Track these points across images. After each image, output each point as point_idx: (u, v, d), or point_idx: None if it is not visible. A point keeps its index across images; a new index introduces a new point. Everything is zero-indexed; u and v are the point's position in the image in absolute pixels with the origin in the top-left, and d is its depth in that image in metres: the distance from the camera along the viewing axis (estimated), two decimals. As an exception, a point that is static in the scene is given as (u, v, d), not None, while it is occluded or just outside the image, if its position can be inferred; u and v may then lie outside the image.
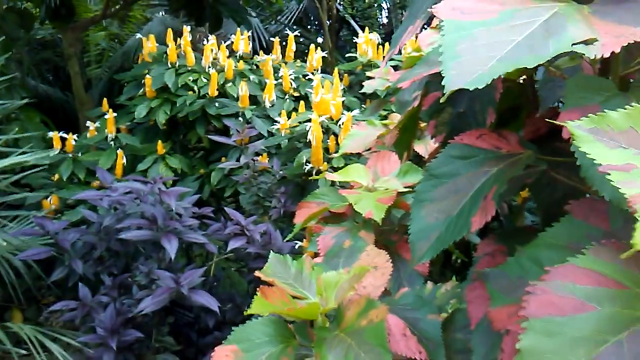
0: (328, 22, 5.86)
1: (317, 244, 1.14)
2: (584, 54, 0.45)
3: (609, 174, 0.40)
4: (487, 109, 0.79)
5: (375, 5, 7.56)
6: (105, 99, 3.11)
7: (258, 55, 3.38)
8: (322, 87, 2.37)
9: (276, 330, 0.82)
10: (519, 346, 0.40)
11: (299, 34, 6.57)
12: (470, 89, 0.85)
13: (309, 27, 7.31)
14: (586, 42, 0.45)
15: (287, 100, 2.87)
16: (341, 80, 3.09)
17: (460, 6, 0.53)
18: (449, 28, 0.50)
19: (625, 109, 0.43)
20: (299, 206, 1.37)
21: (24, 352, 1.88)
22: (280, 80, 2.96)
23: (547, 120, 0.51)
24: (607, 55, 0.43)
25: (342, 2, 6.99)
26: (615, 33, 0.45)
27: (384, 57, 2.91)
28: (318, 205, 1.34)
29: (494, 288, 0.55)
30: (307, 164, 2.12)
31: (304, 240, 1.70)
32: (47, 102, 4.74)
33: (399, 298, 0.86)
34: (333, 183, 2.03)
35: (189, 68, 2.93)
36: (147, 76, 2.88)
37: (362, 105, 2.88)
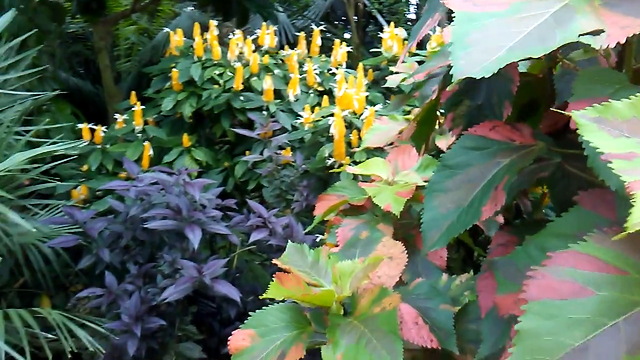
0: (355, 18, 5.86)
1: (336, 236, 1.16)
2: (593, 45, 0.45)
3: (611, 162, 0.41)
4: (504, 102, 0.79)
5: (403, 0, 7.52)
6: (133, 92, 3.17)
7: (284, 49, 3.40)
8: (346, 82, 2.38)
9: (292, 317, 0.84)
10: (518, 327, 0.41)
11: (325, 29, 6.58)
12: (486, 79, 0.86)
13: (336, 22, 7.31)
14: (593, 33, 0.46)
15: (311, 94, 2.89)
16: (366, 75, 3.10)
17: (472, -2, 0.54)
18: (460, 19, 0.51)
19: (629, 99, 0.43)
20: (319, 199, 1.39)
21: (51, 336, 1.93)
22: (304, 75, 2.98)
23: (553, 110, 0.52)
24: (612, 45, 0.44)
25: (369, -3, 6.97)
26: (621, 24, 0.46)
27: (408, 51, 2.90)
28: (338, 198, 1.36)
29: (501, 276, 0.56)
30: (330, 157, 2.14)
31: (325, 233, 1.72)
32: (77, 94, 4.84)
33: (413, 288, 0.87)
34: (355, 177, 2.04)
35: (215, 62, 2.97)
36: (174, 70, 2.93)
37: (387, 101, 2.89)
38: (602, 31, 0.46)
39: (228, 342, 0.83)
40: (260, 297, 0.78)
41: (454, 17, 0.52)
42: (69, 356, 1.93)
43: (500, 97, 0.80)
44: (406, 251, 0.96)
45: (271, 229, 2.10)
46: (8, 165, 1.99)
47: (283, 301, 0.86)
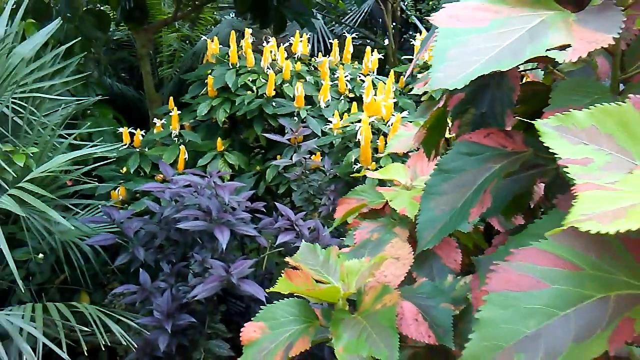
0: (393, 24, 5.88)
1: (353, 238, 1.20)
2: (557, 59, 0.49)
3: (567, 167, 0.45)
4: (506, 111, 0.83)
5: (441, 5, 7.49)
6: (171, 98, 3.28)
7: (320, 56, 3.47)
8: (375, 88, 2.42)
9: (300, 311, 0.89)
10: (478, 316, 0.45)
11: (363, 36, 6.59)
12: (491, 89, 0.89)
13: (375, 29, 7.34)
14: (561, 48, 0.50)
15: (342, 101, 2.94)
16: (397, 82, 3.13)
17: (457, 14, 0.58)
18: (443, 34, 0.55)
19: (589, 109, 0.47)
20: (340, 202, 1.43)
21: (87, 329, 2.02)
22: (336, 82, 3.03)
23: (517, 117, 0.55)
24: (574, 59, 0.48)
25: (406, 4, 6.98)
26: (589, 39, 0.49)
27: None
28: (358, 202, 1.40)
29: (482, 273, 0.60)
30: (356, 163, 2.18)
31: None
32: (121, 99, 5.02)
33: (417, 287, 0.91)
34: (381, 182, 2.08)
35: (249, 69, 3.06)
36: (210, 76, 3.02)
37: (417, 108, 2.91)
38: (569, 46, 0.50)
39: (240, 336, 0.88)
40: (267, 291, 0.83)
41: (438, 32, 0.56)
42: (103, 349, 2.02)
43: (503, 106, 0.84)
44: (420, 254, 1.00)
45: (298, 232, 2.16)
46: (50, 166, 2.11)
47: (294, 297, 0.91)
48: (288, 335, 0.85)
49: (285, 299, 0.91)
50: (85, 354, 2.49)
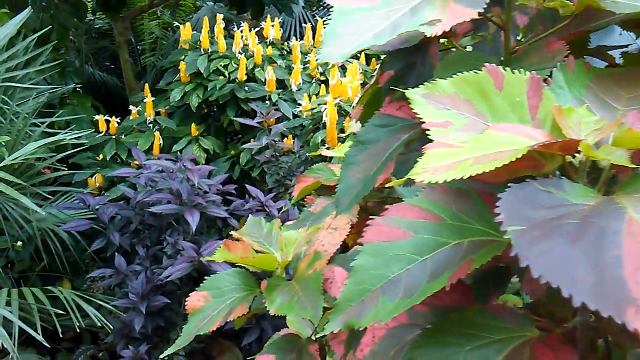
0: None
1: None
2: (426, 33, 0.54)
3: (429, 130, 0.50)
4: (429, 86, 0.88)
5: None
6: (146, 84, 3.31)
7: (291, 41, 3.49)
8: (342, 70, 2.46)
9: (242, 280, 0.94)
10: (352, 264, 0.50)
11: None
12: (417, 67, 0.94)
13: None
14: (432, 22, 0.55)
15: (314, 84, 2.98)
16: (369, 64, 3.17)
17: (352, -7, 0.62)
18: (336, 13, 0.60)
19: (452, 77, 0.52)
20: (298, 180, 1.48)
21: (64, 313, 2.07)
22: (308, 65, 3.07)
23: (392, 87, 0.60)
24: (439, 33, 0.53)
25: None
26: (458, 14, 0.54)
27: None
28: (314, 179, 1.45)
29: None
30: (323, 144, 2.23)
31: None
32: (103, 88, 5.04)
33: (350, 254, 0.96)
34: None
35: (220, 54, 3.09)
36: (182, 62, 3.05)
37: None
38: (439, 20, 0.55)
39: (186, 304, 0.94)
40: (202, 259, 0.88)
41: (332, 10, 0.61)
42: (79, 332, 2.08)
43: (426, 81, 0.89)
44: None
45: (268, 212, 2.21)
46: (22, 154, 2.14)
47: (237, 267, 0.97)
48: (229, 302, 0.91)
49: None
50: (68, 339, 2.55)
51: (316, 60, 2.90)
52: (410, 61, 0.92)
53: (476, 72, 0.52)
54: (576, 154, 0.45)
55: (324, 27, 0.59)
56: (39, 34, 2.93)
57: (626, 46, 0.84)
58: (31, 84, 2.88)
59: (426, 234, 0.49)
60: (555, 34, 0.66)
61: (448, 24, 0.53)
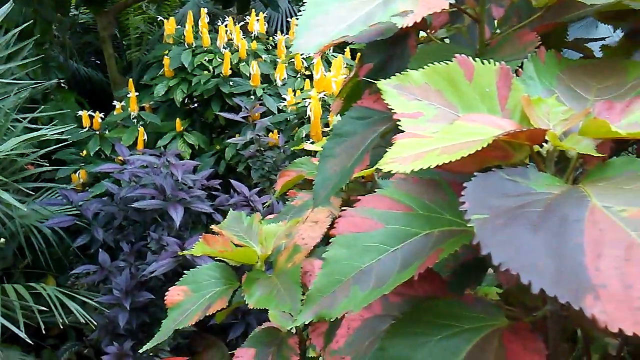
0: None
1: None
2: (397, 24, 0.54)
3: (400, 121, 0.50)
4: (407, 78, 0.88)
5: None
6: (130, 79, 3.28)
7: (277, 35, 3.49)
8: (324, 64, 2.46)
9: (221, 274, 0.94)
10: (324, 255, 0.50)
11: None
12: (395, 59, 0.94)
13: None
14: (404, 13, 0.55)
15: (299, 78, 2.97)
16: (354, 58, 3.17)
17: (325, -15, 0.62)
18: (310, 4, 0.60)
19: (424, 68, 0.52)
20: (280, 174, 1.48)
21: (47, 309, 2.05)
22: (293, 60, 3.06)
23: (364, 78, 0.60)
24: (410, 24, 0.53)
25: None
26: (430, 5, 0.54)
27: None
28: (297, 173, 1.45)
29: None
30: (308, 138, 2.23)
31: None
32: (88, 83, 4.99)
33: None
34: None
35: (205, 49, 3.07)
36: (165, 57, 3.03)
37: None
38: (412, 11, 0.55)
39: (165, 298, 0.93)
40: (179, 254, 0.87)
41: (306, 2, 0.61)
42: (62, 327, 2.06)
43: (404, 73, 0.89)
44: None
45: (253, 207, 2.20)
46: (3, 149, 2.12)
47: (217, 261, 0.96)
48: (208, 296, 0.91)
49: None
50: (53, 336, 2.53)
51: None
52: (389, 54, 0.92)
53: (447, 63, 0.52)
54: (544, 144, 0.45)
55: (297, 19, 0.59)
56: (21, 28, 2.89)
57: (604, 39, 0.84)
58: (13, 79, 2.84)
59: (397, 225, 0.49)
60: (529, 25, 0.67)
61: (420, 15, 0.53)
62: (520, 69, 0.55)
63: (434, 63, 0.58)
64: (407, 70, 0.53)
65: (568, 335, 0.61)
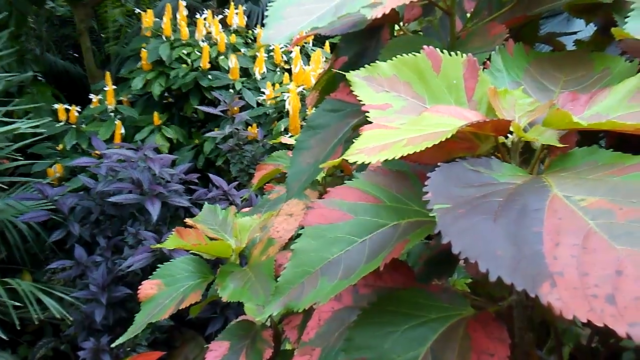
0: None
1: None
2: (366, 15, 0.54)
3: (369, 112, 0.50)
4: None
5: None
6: (108, 73, 3.24)
7: (256, 29, 3.47)
8: (303, 59, 2.45)
9: (195, 267, 0.93)
10: (293, 247, 0.50)
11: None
12: (368, 53, 0.93)
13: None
14: (373, 5, 0.54)
15: (278, 72, 2.96)
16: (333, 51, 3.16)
17: (296, -23, 0.62)
18: (280, -5, 0.60)
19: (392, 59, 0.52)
20: (258, 168, 1.47)
21: (20, 305, 2.03)
22: (272, 54, 3.05)
23: (335, 70, 0.60)
24: (379, 15, 0.53)
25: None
26: (401, -3, 0.54)
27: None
28: (274, 167, 1.44)
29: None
30: (286, 132, 2.22)
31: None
32: (65, 77, 4.91)
33: (305, 240, 0.96)
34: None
35: (183, 42, 3.04)
36: (143, 50, 3.00)
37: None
38: (381, 3, 0.55)
39: (138, 292, 0.92)
40: (152, 247, 0.87)
41: (276, -7, 0.60)
42: (37, 323, 2.04)
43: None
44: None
45: (231, 201, 2.20)
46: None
47: (191, 255, 0.96)
48: (182, 290, 0.90)
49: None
50: (30, 332, 2.50)
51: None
52: (363, 46, 0.92)
53: (415, 55, 0.52)
54: (509, 135, 0.46)
55: (267, 9, 0.59)
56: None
57: (576, 33, 0.85)
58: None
59: (366, 216, 0.49)
60: (499, 18, 0.67)
61: (389, 6, 0.53)
62: (488, 61, 0.55)
63: (403, 55, 0.58)
64: (377, 61, 0.53)
65: (537, 326, 0.62)
